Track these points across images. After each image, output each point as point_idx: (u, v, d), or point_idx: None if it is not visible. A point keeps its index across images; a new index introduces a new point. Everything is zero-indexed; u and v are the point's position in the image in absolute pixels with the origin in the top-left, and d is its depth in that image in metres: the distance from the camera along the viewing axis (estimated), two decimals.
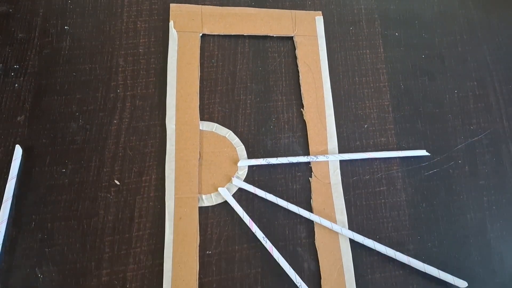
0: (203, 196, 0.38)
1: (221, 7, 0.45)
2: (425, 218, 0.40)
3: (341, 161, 0.41)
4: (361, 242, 0.38)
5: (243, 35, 0.45)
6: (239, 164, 0.40)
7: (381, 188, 0.41)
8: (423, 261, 0.38)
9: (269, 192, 0.39)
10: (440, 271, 0.37)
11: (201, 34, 0.43)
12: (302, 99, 0.43)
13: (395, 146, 0.43)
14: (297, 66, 0.45)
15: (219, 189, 0.38)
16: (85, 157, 0.38)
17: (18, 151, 0.36)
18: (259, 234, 0.37)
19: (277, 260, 0.37)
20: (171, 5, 0.43)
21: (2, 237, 0.34)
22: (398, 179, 0.42)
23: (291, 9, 0.47)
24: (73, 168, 0.37)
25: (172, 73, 0.41)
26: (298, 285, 0.37)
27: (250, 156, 0.40)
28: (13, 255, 0.34)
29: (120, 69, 0.41)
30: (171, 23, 0.43)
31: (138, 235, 0.36)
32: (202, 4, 0.45)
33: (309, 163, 0.41)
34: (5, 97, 0.38)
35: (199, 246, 0.36)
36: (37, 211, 0.35)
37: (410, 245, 0.39)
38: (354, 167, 0.41)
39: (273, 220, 0.39)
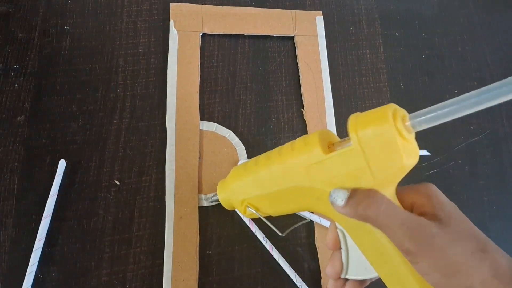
0: (203, 196, 0.38)
1: (221, 6, 0.45)
2: None
3: None
4: None
5: (243, 35, 0.45)
6: (239, 164, 0.40)
7: None
8: None
9: None
10: None
11: (201, 34, 0.43)
12: (302, 99, 0.43)
13: None
14: (297, 66, 0.45)
15: None
16: (85, 157, 0.38)
17: (61, 165, 0.36)
18: (259, 234, 0.37)
19: (277, 260, 0.37)
20: (172, 4, 0.43)
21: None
22: None
23: (291, 9, 0.47)
24: (73, 168, 0.37)
25: (172, 73, 0.41)
26: (298, 285, 0.37)
27: (250, 156, 0.40)
28: (13, 255, 0.34)
29: (120, 69, 0.41)
30: (172, 23, 0.43)
31: (138, 235, 0.36)
32: (202, 4, 0.45)
33: None
34: (5, 97, 0.38)
35: (199, 246, 0.36)
36: (38, 211, 0.35)
37: None
38: None
39: (273, 220, 0.39)
